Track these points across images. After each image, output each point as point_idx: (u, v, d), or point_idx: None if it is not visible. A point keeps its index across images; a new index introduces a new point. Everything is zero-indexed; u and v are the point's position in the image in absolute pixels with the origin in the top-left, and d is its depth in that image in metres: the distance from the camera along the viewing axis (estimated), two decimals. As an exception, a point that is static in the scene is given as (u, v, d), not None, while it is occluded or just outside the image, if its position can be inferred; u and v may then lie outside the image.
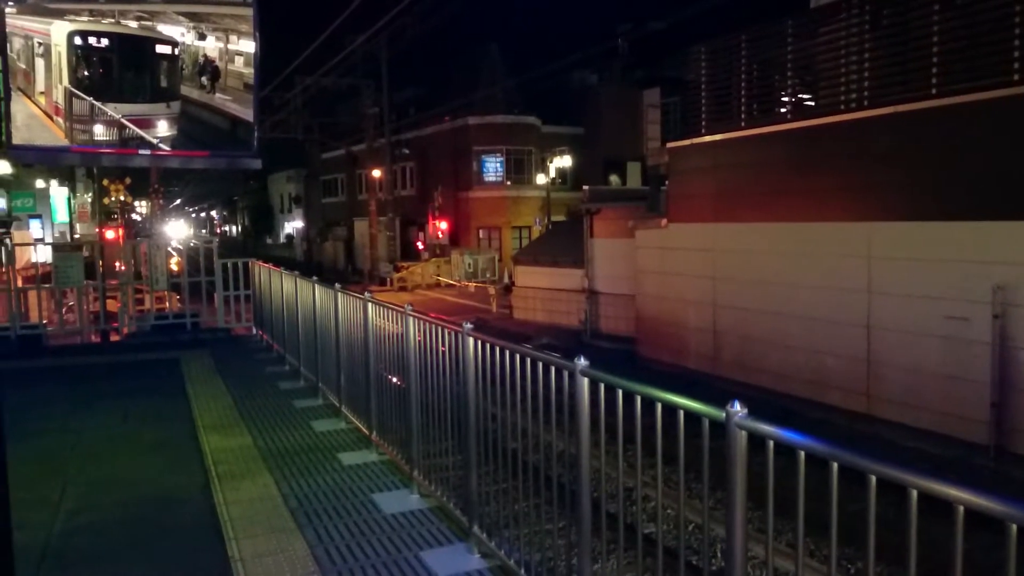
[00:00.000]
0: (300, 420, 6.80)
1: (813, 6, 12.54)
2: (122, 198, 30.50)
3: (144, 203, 51.50)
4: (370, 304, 5.59)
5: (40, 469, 5.50)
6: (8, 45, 3.88)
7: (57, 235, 24.65)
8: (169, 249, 15.19)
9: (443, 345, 4.23)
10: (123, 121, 4.07)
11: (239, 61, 4.45)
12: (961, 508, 1.59)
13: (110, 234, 25.47)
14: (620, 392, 2.79)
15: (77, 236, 25.75)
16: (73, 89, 4.02)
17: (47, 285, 11.49)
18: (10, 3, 3.86)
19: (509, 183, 34.49)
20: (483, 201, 34.34)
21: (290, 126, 38.84)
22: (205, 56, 4.35)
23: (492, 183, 34.53)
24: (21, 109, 4.03)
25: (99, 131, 4.06)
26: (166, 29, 4.26)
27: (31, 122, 4.05)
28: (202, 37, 4.26)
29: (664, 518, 7.08)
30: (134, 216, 48.45)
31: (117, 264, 14.35)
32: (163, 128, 4.18)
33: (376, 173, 35.57)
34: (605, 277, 17.50)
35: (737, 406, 2.18)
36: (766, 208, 11.90)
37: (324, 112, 39.56)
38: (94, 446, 6.12)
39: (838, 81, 11.04)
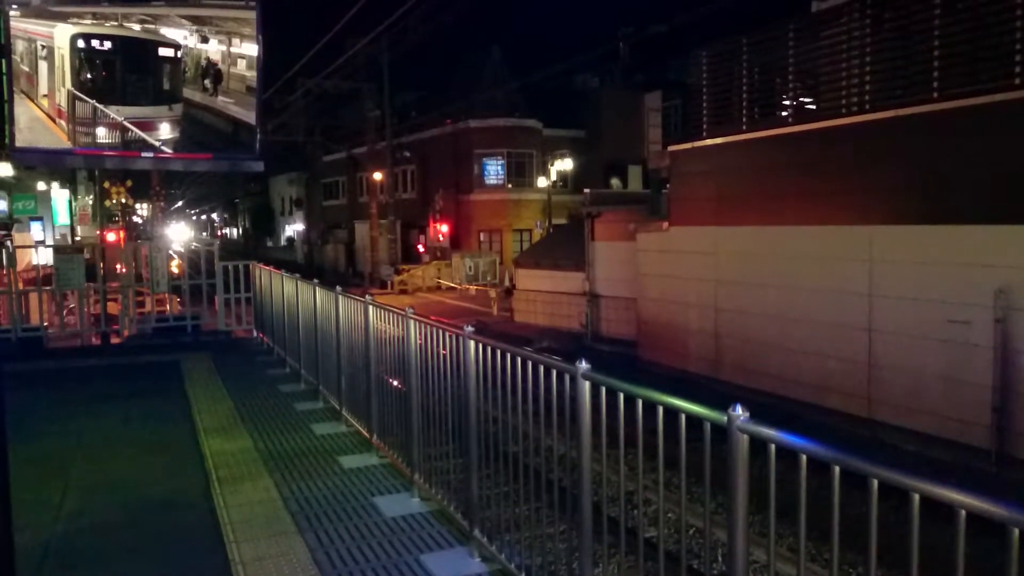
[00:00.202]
0: (301, 423, 6.80)
1: (815, 10, 12.56)
2: (123, 200, 30.51)
3: (145, 205, 51.57)
4: (371, 307, 5.59)
5: (41, 471, 5.50)
6: (12, 48, 3.88)
7: (58, 237, 24.68)
8: (170, 252, 15.21)
9: (444, 348, 4.23)
10: (126, 124, 4.07)
11: (242, 64, 4.46)
12: (963, 512, 1.59)
13: (111, 236, 25.49)
14: (621, 396, 2.78)
15: (78, 238, 25.77)
16: (76, 92, 4.02)
17: (48, 287, 11.49)
18: (13, 6, 3.87)
19: (510, 186, 34.50)
20: (484, 204, 34.35)
21: (291, 129, 38.89)
22: (208, 59, 4.35)
23: (493, 186, 34.55)
24: (24, 112, 4.04)
25: (102, 134, 4.06)
26: (169, 32, 4.27)
27: (34, 125, 4.05)
28: (205, 40, 4.26)
29: (666, 522, 7.08)
30: (135, 218, 48.48)
31: (118, 266, 14.36)
32: (165, 131, 4.18)
33: (377, 176, 35.59)
34: (606, 280, 17.50)
35: (739, 410, 2.17)
36: (767, 211, 11.90)
37: (325, 115, 39.60)
38: (95, 448, 6.12)
39: (839, 84, 11.05)
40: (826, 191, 10.94)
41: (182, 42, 4.16)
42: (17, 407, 7.24)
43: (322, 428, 6.61)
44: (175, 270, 15.09)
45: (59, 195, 25.89)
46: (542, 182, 33.19)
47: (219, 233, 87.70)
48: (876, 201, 10.18)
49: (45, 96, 4.05)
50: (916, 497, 1.69)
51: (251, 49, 4.35)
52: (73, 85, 3.95)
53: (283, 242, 60.12)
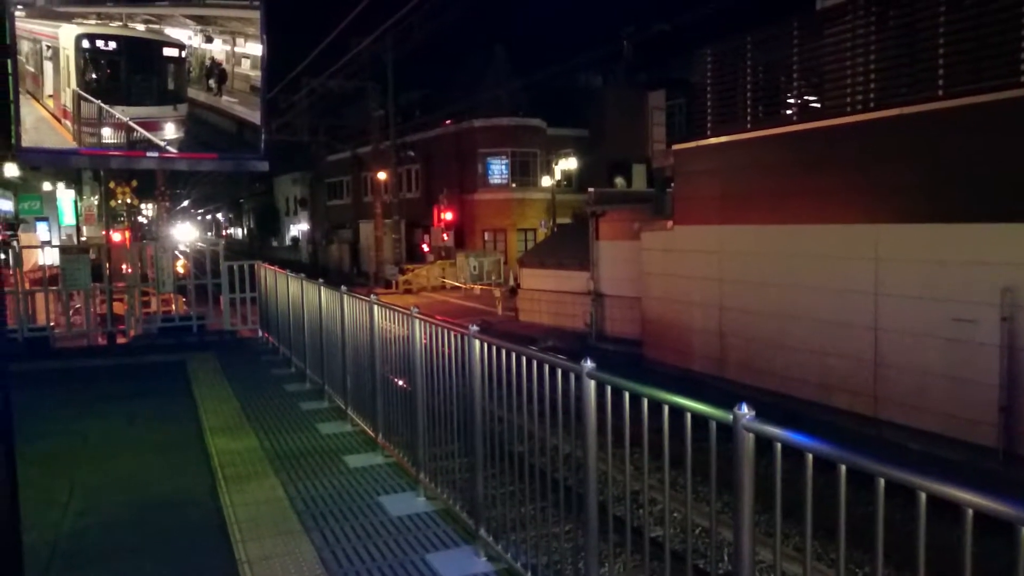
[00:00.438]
0: (306, 422, 6.81)
1: (819, 7, 12.53)
2: (128, 201, 30.61)
3: (150, 206, 51.69)
4: (376, 307, 5.59)
5: (48, 470, 5.52)
6: (17, 49, 3.90)
7: (64, 238, 24.77)
8: (175, 252, 15.24)
9: (449, 348, 4.23)
10: (131, 124, 4.09)
11: (246, 64, 4.47)
12: (970, 511, 1.58)
13: (116, 236, 25.54)
14: (627, 395, 2.78)
15: (84, 239, 25.86)
16: (81, 92, 4.04)
17: (54, 287, 11.54)
18: (19, 7, 3.89)
19: (514, 185, 34.50)
20: (488, 203, 34.36)
21: (296, 129, 38.92)
22: (212, 59, 4.37)
23: (497, 185, 34.55)
24: (30, 112, 4.06)
25: (107, 134, 4.08)
26: (173, 32, 4.28)
27: (40, 125, 4.07)
28: (209, 40, 4.27)
29: (671, 521, 7.07)
30: (140, 219, 48.61)
31: (124, 267, 14.40)
32: (170, 131, 4.20)
33: (381, 175, 35.63)
34: (611, 279, 17.49)
35: (745, 408, 2.17)
36: (772, 210, 11.88)
37: (329, 114, 39.64)
38: (101, 448, 6.14)
39: (844, 82, 11.02)
40: (831, 189, 10.91)
41: (186, 42, 4.18)
42: (24, 407, 7.26)
43: (328, 427, 6.62)
44: (180, 270, 15.13)
45: (65, 195, 25.99)
46: (546, 181, 33.18)
47: (224, 233, 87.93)
48: (881, 200, 10.15)
49: (51, 96, 4.07)
50: (923, 496, 1.68)
51: (255, 49, 4.37)
52: (78, 85, 3.97)
53: (288, 242, 60.24)
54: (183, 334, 11.67)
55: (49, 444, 6.22)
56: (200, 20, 4.45)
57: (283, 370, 9.21)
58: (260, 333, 11.66)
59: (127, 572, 3.97)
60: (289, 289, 9.07)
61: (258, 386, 8.33)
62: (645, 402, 2.67)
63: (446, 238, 33.83)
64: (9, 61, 3.82)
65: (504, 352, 3.66)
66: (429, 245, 35.14)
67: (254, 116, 4.38)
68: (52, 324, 11.43)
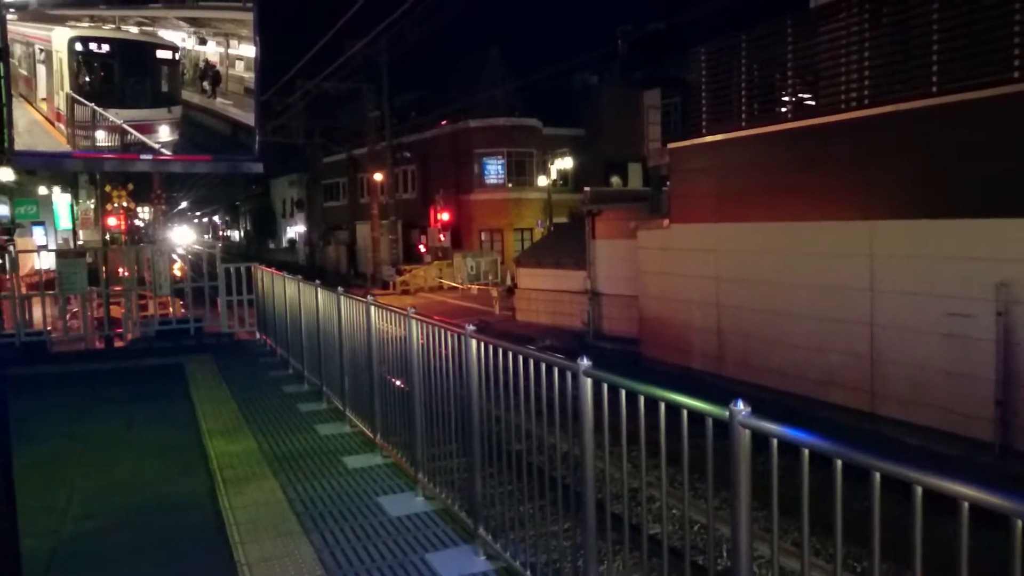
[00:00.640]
0: (304, 424, 6.81)
1: (813, 5, 12.55)
2: (125, 204, 30.55)
3: (147, 209, 51.58)
4: (373, 307, 5.59)
5: (46, 475, 5.51)
6: (10, 52, 3.90)
7: (60, 242, 24.73)
8: (172, 255, 15.22)
9: (446, 348, 4.23)
10: (125, 126, 4.08)
11: (240, 66, 4.47)
12: (966, 504, 1.59)
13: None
14: (623, 392, 2.79)
15: (80, 242, 25.82)
16: (75, 95, 4.03)
17: (51, 292, 11.51)
18: (12, 9, 3.88)
19: (511, 185, 34.51)
20: (485, 203, 34.36)
21: (291, 130, 38.88)
22: (206, 61, 4.36)
23: (494, 185, 34.56)
24: (23, 115, 4.05)
25: (101, 137, 4.07)
26: (167, 34, 4.28)
27: (33, 128, 4.06)
28: (203, 42, 4.27)
29: (669, 518, 7.08)
30: (137, 222, 48.52)
31: (120, 270, 14.37)
32: (165, 133, 4.20)
33: (378, 176, 35.61)
34: (607, 278, 17.50)
35: (740, 404, 2.18)
36: (768, 208, 11.89)
37: (325, 116, 39.62)
38: (100, 452, 6.13)
39: (838, 80, 11.03)
40: (826, 187, 10.93)
41: (180, 44, 4.18)
42: (21, 411, 7.26)
43: (326, 429, 6.62)
44: (177, 273, 15.11)
45: (61, 199, 25.94)
46: (542, 181, 33.19)
47: (220, 235, 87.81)
48: (876, 196, 10.17)
49: (44, 100, 4.06)
50: (919, 490, 1.69)
51: (249, 51, 4.36)
52: (72, 88, 3.96)
53: (285, 244, 60.19)
54: (180, 337, 11.65)
55: (47, 448, 6.22)
56: (194, 22, 4.45)
57: (281, 372, 9.21)
58: (258, 335, 11.65)
59: (126, 575, 3.97)
60: (286, 291, 9.06)
61: (256, 388, 8.32)
62: (641, 399, 2.68)
63: (443, 238, 33.83)
64: (1, 64, 3.82)
65: (501, 351, 3.66)
66: (426, 246, 35.13)
67: (248, 118, 4.38)
68: (49, 328, 11.40)
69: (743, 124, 12.66)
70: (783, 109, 12.31)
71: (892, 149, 9.98)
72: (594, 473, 3.06)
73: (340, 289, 6.65)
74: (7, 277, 11.15)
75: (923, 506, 1.71)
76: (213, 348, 11.07)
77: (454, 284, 30.58)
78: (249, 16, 4.29)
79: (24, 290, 11.57)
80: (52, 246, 21.99)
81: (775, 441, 2.10)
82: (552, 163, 33.10)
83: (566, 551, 3.63)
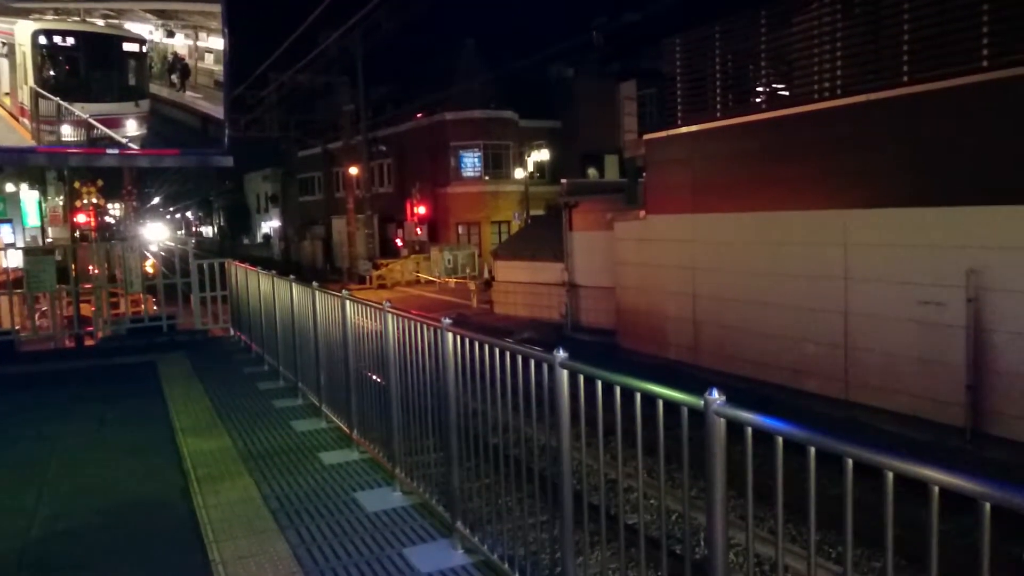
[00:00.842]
0: (280, 420, 6.75)
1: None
2: (95, 200, 30.05)
3: (118, 205, 50.81)
4: (348, 302, 5.55)
5: (15, 477, 5.41)
6: (-31, 45, 3.80)
7: (28, 239, 24.26)
8: (144, 251, 15.00)
9: (422, 342, 4.21)
10: (91, 121, 4.00)
11: (209, 58, 4.40)
12: (936, 488, 1.60)
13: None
14: (599, 383, 2.79)
15: (49, 240, 25.36)
16: (39, 89, 3.94)
17: (19, 290, 11.30)
18: (-30, 2, 3.79)
19: (487, 178, 34.44)
20: (461, 196, 34.27)
21: (265, 124, 38.47)
22: (174, 54, 4.29)
23: (470, 178, 34.46)
24: (-15, 110, 3.95)
25: (67, 131, 3.99)
26: (134, 27, 4.20)
27: (-5, 123, 3.97)
28: (171, 34, 4.19)
29: (647, 508, 7.13)
30: (107, 218, 47.79)
31: (91, 268, 14.14)
32: (132, 127, 4.12)
33: (353, 170, 35.34)
34: (585, 270, 17.54)
35: (715, 393, 2.18)
36: (743, 198, 11.98)
37: (300, 110, 39.23)
38: (70, 452, 6.03)
39: (811, 70, 11.13)
40: (800, 176, 11.03)
41: (147, 37, 4.10)
42: (-11, 412, 7.12)
43: (302, 425, 6.57)
44: (149, 270, 14.89)
45: (28, 196, 25.42)
46: (519, 173, 33.16)
47: (194, 231, 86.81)
48: (848, 185, 10.28)
49: (7, 94, 3.97)
50: (890, 475, 1.71)
51: (219, 43, 4.30)
52: (36, 82, 3.87)
53: (260, 239, 59.59)
54: (153, 335, 11.49)
55: (15, 449, 6.10)
56: (161, 14, 4.38)
57: (256, 368, 9.12)
58: (232, 332, 11.53)
59: (98, 577, 3.91)
60: (260, 287, 8.97)
61: (230, 385, 8.24)
62: (617, 390, 2.68)
63: (420, 232, 33.69)
64: (-39, 58, 3.73)
65: (477, 344, 3.64)
66: (403, 240, 34.98)
67: (218, 111, 4.32)
68: (17, 328, 11.20)
69: (718, 115, 12.73)
70: (758, 100, 12.39)
71: (864, 139, 10.08)
72: (571, 464, 3.06)
73: (315, 284, 6.59)
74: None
75: (896, 491, 1.73)
76: (186, 345, 10.94)
77: (431, 278, 30.48)
78: (217, 8, 4.23)
79: (-9, 289, 11.33)
80: (20, 244, 21.57)
81: (749, 429, 2.11)
82: (529, 155, 33.08)
83: (544, 543, 3.63)
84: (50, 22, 4.18)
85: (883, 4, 10.18)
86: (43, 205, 26.52)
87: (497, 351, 3.48)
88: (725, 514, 2.24)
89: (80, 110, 4.06)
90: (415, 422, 4.47)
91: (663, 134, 13.92)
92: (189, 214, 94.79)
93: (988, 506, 1.51)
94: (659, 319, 13.87)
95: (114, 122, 4.10)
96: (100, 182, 28.93)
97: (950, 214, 9.05)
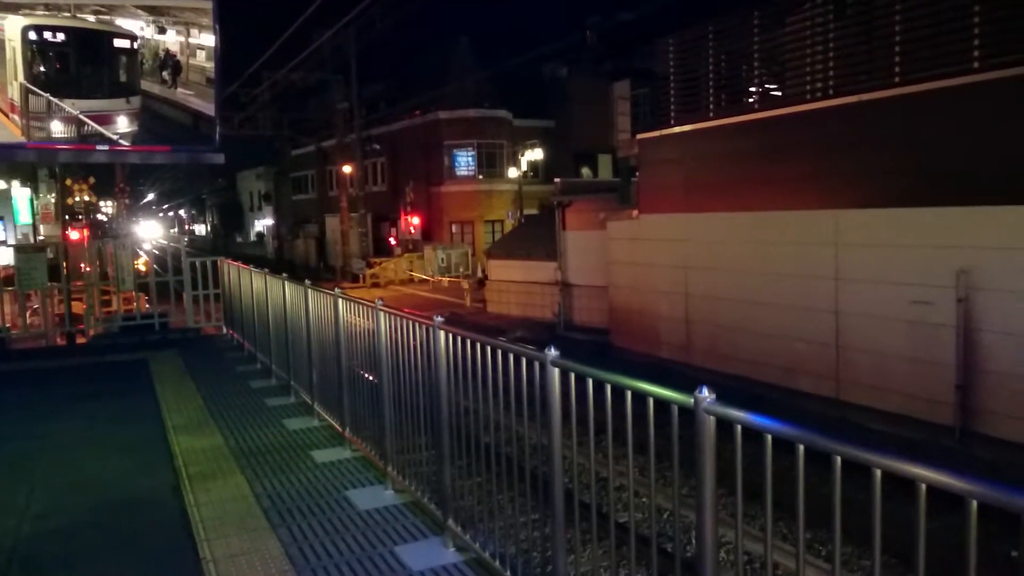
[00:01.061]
0: (272, 418, 6.73)
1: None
2: (86, 198, 29.89)
3: (110, 203, 50.59)
4: (340, 300, 5.54)
5: (6, 474, 5.39)
6: (-41, 40, 3.77)
7: (20, 237, 24.13)
8: (136, 249, 14.94)
9: (414, 340, 4.20)
10: (81, 117, 3.98)
11: (201, 55, 4.38)
12: (923, 486, 1.61)
13: (74, 235, 24.95)
14: (590, 381, 2.79)
15: (41, 237, 25.23)
16: (29, 85, 3.92)
17: (10, 288, 11.24)
18: (-40, -3, 3.76)
19: (481, 177, 34.42)
20: (455, 195, 34.24)
21: (259, 122, 38.35)
22: (166, 50, 4.27)
23: (464, 177, 34.44)
24: (-26, 106, 3.93)
25: (57, 128, 3.97)
26: (125, 23, 4.18)
27: (-15, 119, 3.94)
28: (162, 31, 4.18)
29: (638, 506, 7.15)
30: (100, 216, 47.56)
31: (82, 265, 14.08)
32: (123, 124, 4.10)
33: (347, 169, 35.28)
34: (578, 269, 17.55)
35: (705, 392, 2.19)
36: (736, 197, 12.01)
37: (293, 108, 39.13)
38: (61, 450, 6.01)
39: (804, 71, 11.16)
40: (792, 176, 11.06)
41: (139, 33, 4.08)
42: (-21, 410, 7.08)
43: (294, 423, 6.56)
44: (141, 268, 14.83)
45: (20, 194, 25.29)
46: (513, 172, 33.15)
47: (187, 229, 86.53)
48: (840, 185, 10.32)
49: (-3, 90, 3.95)
50: (877, 473, 1.71)
51: (211, 40, 4.28)
52: (26, 78, 3.85)
53: (253, 237, 59.43)
54: (145, 333, 11.46)
55: (6, 448, 6.07)
56: (152, 11, 4.36)
57: (248, 367, 9.10)
58: (225, 330, 11.50)
59: (90, 574, 3.89)
60: (253, 285, 8.94)
61: (223, 383, 8.22)
62: (608, 388, 2.68)
63: (413, 231, 33.65)
64: (-50, 53, 3.71)
65: (469, 343, 3.64)
66: (396, 238, 34.93)
67: (210, 108, 4.30)
68: (8, 325, 11.15)
69: (711, 115, 12.75)
70: (750, 100, 12.42)
71: (855, 139, 10.12)
72: (562, 462, 3.07)
73: (307, 282, 6.58)
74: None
75: (886, 490, 1.74)
76: (179, 343, 10.91)
77: (425, 277, 30.45)
78: (209, 5, 4.21)
79: (-19, 286, 11.27)
80: (12, 241, 21.45)
81: (739, 427, 2.12)
82: (522, 155, 33.07)
83: (535, 541, 3.64)
84: (41, 18, 4.16)
85: (875, 5, 10.21)
86: (35, 203, 26.37)
87: (489, 349, 3.48)
88: (715, 512, 2.25)
89: (70, 106, 4.04)
90: (407, 420, 4.46)
91: (656, 134, 13.94)
92: (182, 212, 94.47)
93: (975, 503, 1.52)
94: (652, 318, 13.89)
95: (105, 119, 4.08)
96: (92, 179, 28.78)
97: (941, 214, 9.10)
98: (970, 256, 8.77)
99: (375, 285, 30.08)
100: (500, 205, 34.15)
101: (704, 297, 12.72)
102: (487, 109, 33.80)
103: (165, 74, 4.29)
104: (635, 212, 14.36)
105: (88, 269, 12.69)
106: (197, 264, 11.68)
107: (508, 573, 3.44)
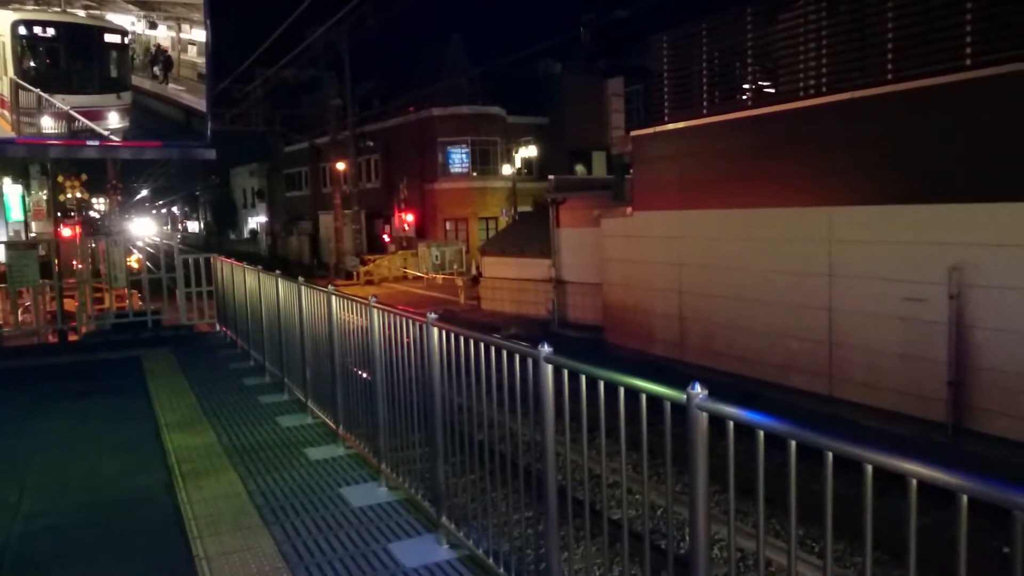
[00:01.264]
0: (265, 416, 6.72)
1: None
2: (79, 195, 29.73)
3: (102, 200, 50.36)
4: (334, 297, 5.53)
5: (-4, 473, 5.36)
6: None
7: (11, 234, 23.99)
8: (128, 246, 14.88)
9: (408, 337, 4.20)
10: (72, 113, 3.96)
11: (192, 51, 4.36)
12: (914, 481, 1.62)
13: (66, 232, 24.84)
14: (583, 378, 2.79)
15: (33, 235, 25.10)
16: (19, 80, 3.89)
17: (1, 285, 11.18)
18: (-52, -9, 3.73)
19: (475, 174, 34.39)
20: (449, 192, 34.20)
21: (251, 119, 38.22)
22: (157, 45, 4.25)
23: (458, 174, 34.40)
24: (-36, 102, 3.90)
25: (47, 123, 3.94)
26: (115, 18, 4.15)
27: (-25, 115, 3.92)
28: (153, 26, 4.15)
29: (631, 503, 7.16)
30: (92, 213, 47.32)
31: (75, 263, 14.01)
32: (114, 119, 4.08)
33: (340, 166, 35.19)
34: (572, 266, 17.56)
35: (698, 388, 2.19)
36: (729, 194, 12.02)
37: (286, 104, 39.02)
38: (53, 448, 5.98)
39: (797, 68, 11.18)
40: (786, 173, 11.08)
41: (129, 28, 4.06)
42: (-30, 408, 7.04)
43: (288, 420, 6.54)
44: (134, 265, 14.78)
45: (11, 190, 25.15)
46: (507, 170, 33.13)
47: (180, 226, 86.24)
48: (834, 182, 10.34)
49: (-14, 85, 3.92)
50: (869, 468, 1.72)
51: (202, 35, 4.26)
52: (16, 73, 3.82)
53: (246, 234, 59.27)
54: (138, 330, 11.41)
55: (-3, 445, 6.04)
56: (143, 6, 4.33)
57: (242, 364, 9.07)
58: (218, 327, 11.46)
59: (82, 573, 3.88)
60: (246, 282, 8.92)
61: (216, 380, 8.19)
62: (601, 384, 2.68)
63: (407, 228, 33.60)
64: (-61, 48, 3.68)
65: (463, 339, 3.64)
66: (390, 235, 34.87)
67: (202, 104, 4.28)
68: (0, 323, 11.09)
69: (705, 112, 12.76)
70: (744, 97, 12.43)
71: (848, 136, 10.14)
72: (555, 459, 3.07)
73: (301, 279, 6.56)
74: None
75: (878, 487, 1.74)
76: (171, 341, 10.87)
77: (419, 274, 30.42)
78: (200, 0, 4.19)
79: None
80: (3, 238, 21.33)
81: (731, 423, 2.12)
82: (516, 152, 33.05)
83: (529, 538, 3.64)
84: (30, 12, 4.12)
85: (868, 2, 10.23)
86: (27, 199, 26.23)
87: (483, 346, 3.48)
88: (707, 507, 2.25)
89: (61, 102, 4.01)
90: (401, 417, 4.46)
91: (650, 131, 13.94)
92: (175, 209, 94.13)
93: (965, 499, 1.52)
94: (646, 315, 13.91)
95: (95, 114, 4.06)
96: (84, 176, 28.63)
97: (933, 211, 9.12)
98: (962, 253, 8.80)
99: (369, 282, 30.04)
100: (494, 202, 34.13)
101: (698, 294, 12.73)
102: (481, 106, 33.76)
103: (156, 69, 4.26)
104: (629, 209, 14.36)
105: (80, 266, 12.63)
106: (190, 261, 11.64)
107: (502, 570, 3.44)
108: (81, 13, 4.17)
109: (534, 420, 3.12)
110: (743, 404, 2.10)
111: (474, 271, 26.06)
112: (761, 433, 2.02)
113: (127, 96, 4.16)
